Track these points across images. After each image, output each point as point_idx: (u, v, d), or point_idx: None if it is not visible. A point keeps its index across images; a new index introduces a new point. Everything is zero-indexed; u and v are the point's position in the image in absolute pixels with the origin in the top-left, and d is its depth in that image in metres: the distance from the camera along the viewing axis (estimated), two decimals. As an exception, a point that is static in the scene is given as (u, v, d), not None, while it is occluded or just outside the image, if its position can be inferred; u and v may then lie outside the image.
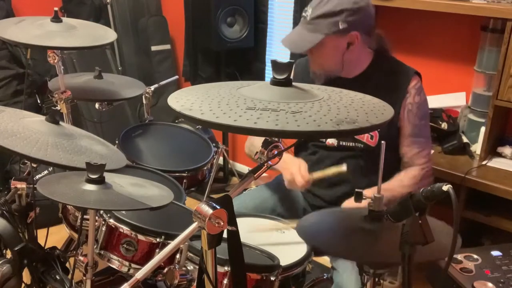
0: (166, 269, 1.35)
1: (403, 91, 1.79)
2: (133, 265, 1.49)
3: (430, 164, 1.85)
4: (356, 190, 1.18)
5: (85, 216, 1.53)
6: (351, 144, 1.84)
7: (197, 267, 1.23)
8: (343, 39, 1.73)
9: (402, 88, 1.79)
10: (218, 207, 0.93)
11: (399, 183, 1.78)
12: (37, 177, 1.70)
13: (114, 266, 1.51)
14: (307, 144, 1.94)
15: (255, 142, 1.95)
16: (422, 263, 1.12)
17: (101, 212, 1.51)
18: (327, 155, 1.88)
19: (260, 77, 3.25)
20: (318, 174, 1.74)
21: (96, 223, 1.49)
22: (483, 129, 2.23)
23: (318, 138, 1.85)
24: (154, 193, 1.42)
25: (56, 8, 1.85)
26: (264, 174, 1.05)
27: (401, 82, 1.80)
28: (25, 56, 3.25)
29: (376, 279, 1.18)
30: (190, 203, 1.81)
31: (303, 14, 1.74)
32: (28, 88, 3.29)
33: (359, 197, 1.18)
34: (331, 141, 1.86)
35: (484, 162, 2.23)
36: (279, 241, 1.60)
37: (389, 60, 1.87)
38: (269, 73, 3.14)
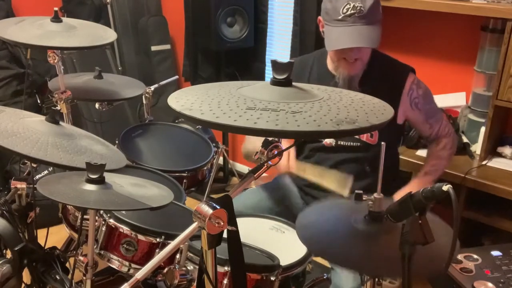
0: (166, 269, 1.35)
1: (399, 88, 1.80)
2: (133, 265, 1.49)
3: (451, 126, 1.98)
4: (356, 191, 1.18)
5: (85, 216, 1.53)
6: (349, 144, 1.83)
7: (197, 267, 1.23)
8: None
9: (398, 85, 1.81)
10: (218, 207, 0.93)
11: (437, 158, 1.91)
12: (37, 177, 1.70)
13: (114, 266, 1.51)
14: (304, 146, 1.93)
15: (249, 146, 1.92)
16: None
17: (101, 212, 1.52)
18: (325, 158, 1.86)
19: (260, 77, 3.25)
20: (312, 175, 1.70)
21: (96, 223, 1.49)
22: (483, 129, 2.23)
23: (318, 138, 1.84)
24: (154, 193, 1.42)
25: (56, 8, 1.84)
26: (264, 174, 1.05)
27: (398, 79, 1.82)
28: (25, 56, 3.25)
29: (376, 280, 1.18)
30: (190, 203, 1.81)
31: (349, 12, 1.64)
32: (28, 88, 3.29)
33: (359, 198, 1.18)
34: (329, 141, 1.85)
35: (484, 162, 2.23)
36: (279, 241, 1.60)
37: (384, 58, 1.88)
38: (269, 73, 3.14)
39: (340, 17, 1.65)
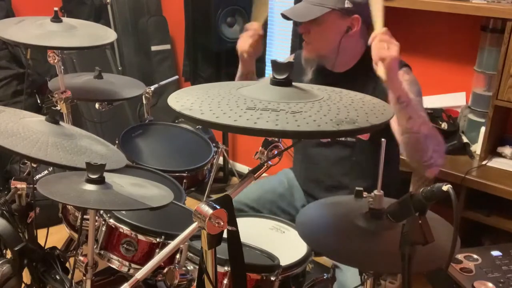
0: (166, 269, 1.35)
1: None
2: (133, 265, 1.49)
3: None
4: (357, 188, 1.18)
5: (85, 216, 1.53)
6: (343, 139, 1.84)
7: (197, 267, 1.23)
8: (345, 21, 1.74)
9: None
10: (218, 207, 0.93)
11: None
12: (37, 177, 1.70)
13: (114, 266, 1.51)
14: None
15: None
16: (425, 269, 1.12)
17: (101, 212, 1.52)
18: (319, 152, 1.89)
19: (260, 77, 3.24)
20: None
21: (96, 223, 1.49)
22: (483, 129, 2.23)
23: (318, 138, 1.85)
24: (154, 193, 1.42)
25: (56, 8, 1.84)
26: (264, 175, 1.05)
27: None
28: (25, 56, 3.25)
29: (377, 280, 1.18)
30: (190, 203, 1.81)
31: None
32: (28, 88, 3.29)
33: (359, 196, 1.18)
34: None
35: (484, 162, 2.23)
36: (279, 241, 1.60)
37: None
38: (269, 73, 3.14)
39: None
